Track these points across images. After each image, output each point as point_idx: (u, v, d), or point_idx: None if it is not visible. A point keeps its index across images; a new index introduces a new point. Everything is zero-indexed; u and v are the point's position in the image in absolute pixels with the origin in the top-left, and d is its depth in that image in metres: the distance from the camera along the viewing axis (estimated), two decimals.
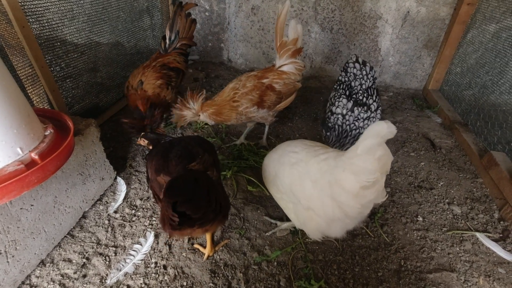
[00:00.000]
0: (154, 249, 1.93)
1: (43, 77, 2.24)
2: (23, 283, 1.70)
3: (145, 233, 2.02)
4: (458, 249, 2.03)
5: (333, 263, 1.91)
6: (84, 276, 1.76)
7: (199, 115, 2.47)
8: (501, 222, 2.22)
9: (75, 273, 1.77)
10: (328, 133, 2.38)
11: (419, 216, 2.27)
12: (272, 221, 2.15)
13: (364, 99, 2.35)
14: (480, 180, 2.61)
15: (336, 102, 2.37)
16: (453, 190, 2.52)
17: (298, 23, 2.54)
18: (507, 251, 2.00)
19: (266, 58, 4.50)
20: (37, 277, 1.73)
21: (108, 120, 3.16)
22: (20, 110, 1.44)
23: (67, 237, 1.96)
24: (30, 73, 2.21)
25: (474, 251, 2.03)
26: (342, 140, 2.31)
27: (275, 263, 1.88)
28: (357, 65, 2.46)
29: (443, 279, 1.85)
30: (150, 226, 2.08)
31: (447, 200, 2.42)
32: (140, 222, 2.11)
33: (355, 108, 2.30)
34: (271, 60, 4.50)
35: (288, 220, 2.11)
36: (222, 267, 1.85)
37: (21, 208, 1.61)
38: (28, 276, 1.73)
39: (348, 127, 2.29)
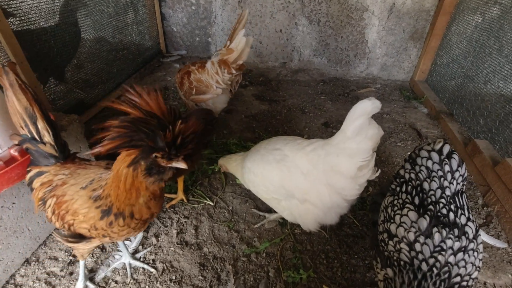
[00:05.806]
0: (142, 245, 1.92)
1: (22, 73, 2.18)
2: (7, 282, 1.67)
3: None
4: None
5: (322, 252, 1.93)
6: (71, 273, 1.74)
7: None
8: (485, 208, 2.28)
9: (61, 270, 1.74)
10: (387, 273, 1.33)
11: None
12: (261, 213, 2.15)
13: (452, 214, 1.29)
14: None
15: (397, 217, 1.35)
16: None
17: (248, 38, 2.38)
18: (491, 235, 2.06)
19: (254, 52, 4.48)
20: (22, 276, 1.70)
21: (94, 116, 3.10)
22: None
23: (52, 235, 1.93)
24: None
25: None
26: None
27: (264, 254, 1.89)
28: (434, 155, 1.39)
29: None
30: None
31: None
32: None
33: (435, 229, 1.25)
34: (259, 54, 4.49)
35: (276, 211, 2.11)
36: (211, 260, 1.85)
37: (2, 207, 1.58)
38: (13, 276, 1.70)
39: (422, 264, 1.21)
